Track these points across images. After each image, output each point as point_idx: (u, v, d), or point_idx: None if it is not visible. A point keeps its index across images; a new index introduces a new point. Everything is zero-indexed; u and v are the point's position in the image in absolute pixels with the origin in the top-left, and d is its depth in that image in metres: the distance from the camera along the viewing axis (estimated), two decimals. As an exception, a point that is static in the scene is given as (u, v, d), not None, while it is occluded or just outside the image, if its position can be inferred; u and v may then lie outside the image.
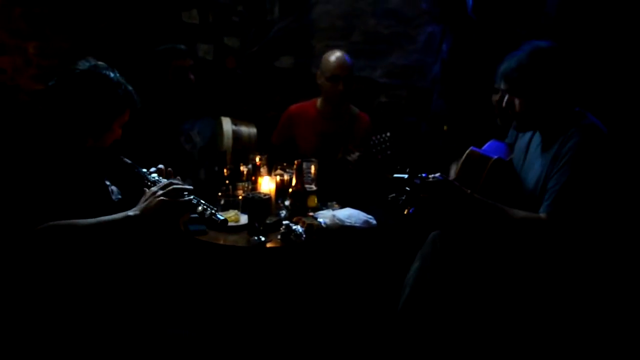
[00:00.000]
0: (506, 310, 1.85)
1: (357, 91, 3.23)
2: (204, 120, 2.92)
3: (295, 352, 2.26)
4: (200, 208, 1.68)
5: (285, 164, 2.54)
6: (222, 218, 1.68)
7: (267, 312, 2.32)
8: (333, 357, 2.27)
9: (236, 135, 2.81)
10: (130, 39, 3.18)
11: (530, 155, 1.96)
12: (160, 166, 1.79)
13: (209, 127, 2.91)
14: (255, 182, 2.52)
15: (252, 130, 2.90)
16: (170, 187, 1.61)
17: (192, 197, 1.66)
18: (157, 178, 1.74)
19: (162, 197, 1.58)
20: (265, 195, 2.19)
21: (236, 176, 2.56)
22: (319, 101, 2.97)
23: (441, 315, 1.93)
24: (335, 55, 2.81)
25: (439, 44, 3.35)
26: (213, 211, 1.69)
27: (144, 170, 1.76)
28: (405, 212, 1.76)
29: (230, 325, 2.24)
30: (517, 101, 1.86)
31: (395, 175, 1.79)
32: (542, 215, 1.74)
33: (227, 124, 2.82)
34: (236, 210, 2.32)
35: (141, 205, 1.58)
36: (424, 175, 1.76)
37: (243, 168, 2.58)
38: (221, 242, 2.15)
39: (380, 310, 2.25)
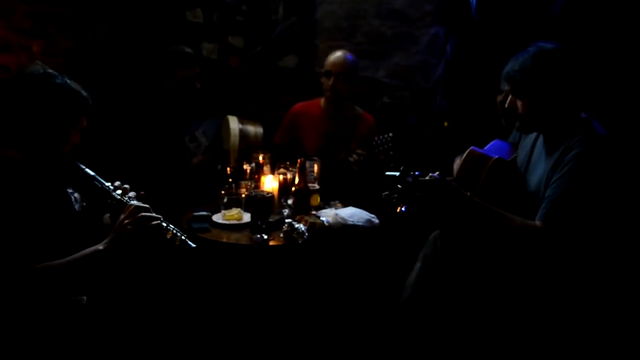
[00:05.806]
0: (507, 311, 1.84)
1: (360, 91, 3.24)
2: (209, 120, 2.92)
3: (297, 351, 2.26)
4: (170, 233, 1.61)
5: (288, 163, 2.54)
6: (194, 245, 1.61)
7: (270, 310, 2.32)
8: (335, 355, 2.27)
9: (243, 133, 2.82)
10: (134, 37, 3.19)
11: (535, 156, 1.95)
12: (118, 183, 1.70)
13: (214, 127, 2.92)
14: (258, 181, 2.52)
15: (259, 129, 2.91)
16: (139, 215, 1.53)
17: (161, 221, 1.59)
18: (120, 196, 1.65)
19: (131, 227, 1.51)
20: (268, 193, 2.19)
21: (239, 174, 2.56)
22: (322, 101, 2.97)
23: (443, 315, 1.92)
24: (335, 54, 2.85)
25: (442, 45, 3.35)
26: (183, 237, 1.62)
27: (108, 184, 1.68)
28: (397, 210, 1.75)
29: (233, 323, 2.24)
30: (519, 103, 1.85)
31: (387, 173, 1.77)
32: (538, 223, 1.73)
33: (234, 123, 2.83)
34: (239, 209, 2.32)
35: (110, 237, 1.52)
36: (417, 173, 1.74)
37: (246, 166, 2.58)
38: (224, 240, 2.15)
39: (382, 309, 2.25)
